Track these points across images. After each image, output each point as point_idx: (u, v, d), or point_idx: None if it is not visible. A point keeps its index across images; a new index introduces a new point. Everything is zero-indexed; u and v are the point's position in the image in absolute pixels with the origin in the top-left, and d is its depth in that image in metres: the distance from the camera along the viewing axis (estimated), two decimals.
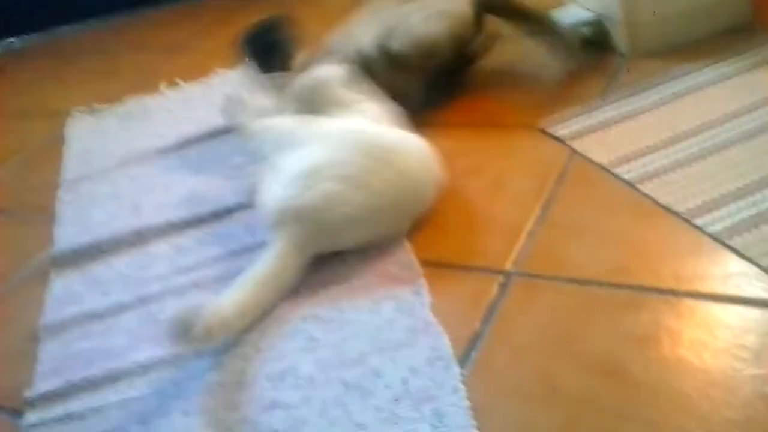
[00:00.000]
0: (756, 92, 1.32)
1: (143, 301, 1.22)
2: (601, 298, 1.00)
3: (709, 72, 1.44)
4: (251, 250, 1.25)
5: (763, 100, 1.31)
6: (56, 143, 1.89)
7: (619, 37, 1.59)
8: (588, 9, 1.65)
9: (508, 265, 1.10)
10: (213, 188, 1.49)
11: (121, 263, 1.33)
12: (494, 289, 1.06)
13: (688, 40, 1.55)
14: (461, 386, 0.91)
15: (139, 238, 1.38)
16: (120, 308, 1.21)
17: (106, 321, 1.19)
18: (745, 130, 1.25)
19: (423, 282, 1.10)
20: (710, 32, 1.56)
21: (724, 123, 1.28)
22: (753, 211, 1.07)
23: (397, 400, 0.91)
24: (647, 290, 0.99)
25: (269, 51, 1.43)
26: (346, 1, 2.29)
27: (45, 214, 1.58)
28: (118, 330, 1.17)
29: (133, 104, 1.98)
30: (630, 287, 1.01)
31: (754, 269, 0.98)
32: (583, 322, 0.97)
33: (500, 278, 1.08)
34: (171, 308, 1.16)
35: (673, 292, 0.98)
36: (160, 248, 1.34)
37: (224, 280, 1.19)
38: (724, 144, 1.23)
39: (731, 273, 0.99)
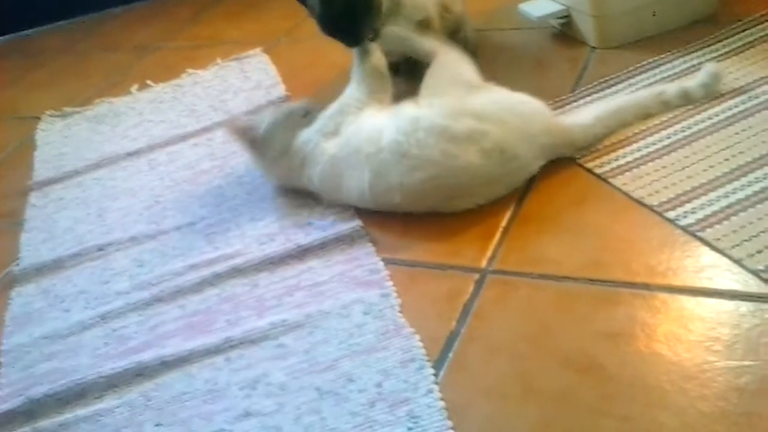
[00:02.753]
0: (725, 83, 1.33)
1: (105, 318, 1.20)
2: (576, 294, 1.00)
3: (678, 64, 1.45)
4: (212, 263, 1.25)
5: (732, 91, 1.32)
6: (27, 147, 1.86)
7: (588, 29, 1.59)
8: (557, 1, 1.64)
9: (483, 263, 1.10)
10: (178, 196, 1.48)
11: (82, 279, 1.32)
12: (469, 287, 1.06)
13: (656, 32, 1.56)
14: (435, 387, 0.90)
15: (101, 253, 1.37)
16: (82, 327, 1.20)
17: (68, 341, 1.18)
18: (715, 122, 1.25)
19: (390, 284, 1.10)
20: (678, 24, 1.56)
21: (694, 114, 1.28)
22: (724, 202, 1.08)
23: (371, 404, 0.91)
24: (621, 285, 1.00)
25: (351, 18, 1.32)
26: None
27: (14, 221, 1.56)
28: (81, 350, 1.15)
29: (104, 107, 1.96)
30: (604, 282, 1.01)
31: (726, 261, 0.99)
32: (558, 319, 0.97)
33: (475, 276, 1.07)
34: (133, 325, 1.15)
35: (647, 286, 0.98)
36: (122, 263, 1.33)
37: (186, 294, 1.19)
38: (695, 136, 1.23)
39: (703, 265, 1.00)
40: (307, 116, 1.33)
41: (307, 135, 1.31)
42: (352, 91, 1.33)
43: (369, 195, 1.21)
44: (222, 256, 1.26)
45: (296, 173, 1.32)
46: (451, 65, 1.31)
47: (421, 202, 1.19)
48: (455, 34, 1.57)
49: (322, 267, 1.17)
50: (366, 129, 1.25)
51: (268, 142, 1.33)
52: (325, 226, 1.25)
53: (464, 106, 1.20)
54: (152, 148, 1.68)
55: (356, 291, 1.10)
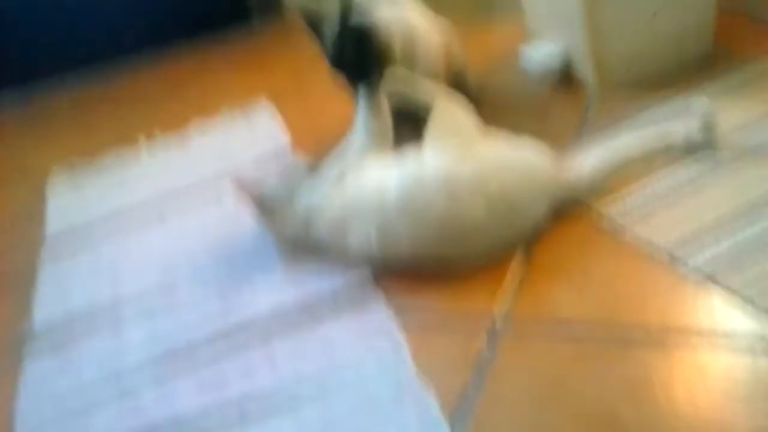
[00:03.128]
0: (725, 122, 1.34)
1: (118, 375, 1.20)
2: (591, 345, 1.00)
3: (677, 104, 1.46)
4: (224, 315, 1.25)
5: (732, 128, 1.33)
6: (37, 202, 1.87)
7: (588, 72, 1.61)
8: (556, 44, 1.67)
9: (495, 314, 1.10)
10: (188, 248, 1.49)
11: (95, 335, 1.32)
12: (483, 339, 1.06)
13: (654, 73, 1.58)
14: None
15: (113, 307, 1.37)
16: (95, 387, 1.20)
17: (82, 402, 1.17)
18: (718, 160, 1.27)
19: (402, 337, 1.10)
20: (675, 64, 1.58)
21: (696, 154, 1.29)
22: (732, 242, 1.09)
23: None
24: (635, 333, 1.00)
25: (361, 57, 1.35)
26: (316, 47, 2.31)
27: (25, 278, 1.56)
28: (95, 410, 1.15)
29: (112, 160, 1.98)
30: (617, 330, 1.01)
31: (740, 302, 0.99)
32: (574, 372, 0.97)
33: (488, 327, 1.07)
34: (148, 400, 1.14)
35: (660, 331, 0.98)
36: (134, 318, 1.33)
37: (198, 347, 1.20)
38: (698, 176, 1.24)
39: (717, 309, 1.00)
40: (313, 174, 1.35)
41: (311, 188, 1.32)
42: (355, 140, 1.35)
43: (376, 249, 1.22)
44: (234, 311, 1.26)
45: (302, 228, 1.32)
46: (452, 114, 1.32)
47: (430, 255, 1.20)
48: (456, 81, 1.59)
49: (333, 320, 1.17)
50: (370, 181, 1.26)
51: (274, 199, 1.35)
52: (335, 279, 1.26)
53: (467, 159, 1.21)
54: (162, 201, 1.69)
55: (368, 344, 1.10)
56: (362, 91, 1.37)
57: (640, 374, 0.93)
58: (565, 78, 1.67)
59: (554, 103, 1.63)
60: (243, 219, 1.51)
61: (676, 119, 1.41)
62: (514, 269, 1.16)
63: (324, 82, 2.07)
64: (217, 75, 2.39)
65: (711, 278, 1.04)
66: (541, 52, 1.68)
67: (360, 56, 1.34)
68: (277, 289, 1.28)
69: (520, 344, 1.03)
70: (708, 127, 1.29)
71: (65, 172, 1.98)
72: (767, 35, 1.60)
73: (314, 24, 1.40)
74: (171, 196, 1.70)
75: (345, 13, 1.33)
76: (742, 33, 1.65)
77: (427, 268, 1.21)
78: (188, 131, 1.99)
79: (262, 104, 2.02)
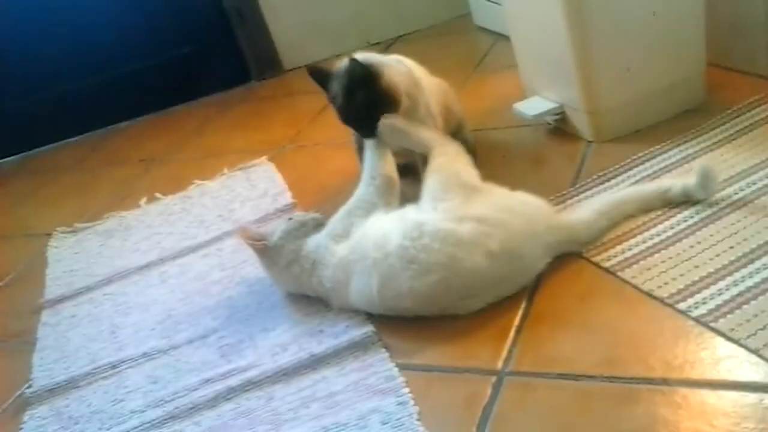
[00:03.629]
0: (722, 172, 1.36)
1: None
2: (595, 393, 1.00)
3: (674, 154, 1.48)
4: (226, 376, 1.25)
5: (730, 178, 1.35)
6: (38, 264, 1.88)
7: (583, 124, 1.64)
8: (550, 99, 1.70)
9: (499, 364, 1.09)
10: (190, 309, 1.49)
11: (96, 398, 1.32)
12: (487, 390, 1.05)
13: (648, 124, 1.61)
14: None
15: (114, 371, 1.37)
16: None
17: None
18: (716, 210, 1.28)
19: (406, 391, 1.09)
20: (669, 115, 1.61)
21: (694, 203, 1.31)
22: (734, 291, 1.09)
23: None
24: (639, 381, 0.99)
25: (369, 103, 1.38)
26: (316, 104, 2.36)
27: (26, 340, 1.56)
28: None
29: (114, 221, 1.99)
30: (622, 379, 1.00)
31: (743, 351, 0.99)
32: (579, 421, 0.96)
33: (492, 379, 1.07)
34: None
35: (666, 382, 0.98)
36: (135, 380, 1.33)
37: (201, 410, 1.19)
38: (697, 225, 1.25)
39: (721, 357, 0.99)
40: (317, 228, 1.36)
41: (316, 240, 1.33)
42: (362, 194, 1.36)
43: (378, 300, 1.23)
44: (235, 369, 1.26)
45: (306, 279, 1.33)
46: (449, 164, 1.34)
47: (431, 306, 1.20)
48: (455, 135, 1.62)
49: (336, 376, 1.17)
50: (372, 234, 1.27)
51: (279, 250, 1.36)
52: (337, 333, 1.26)
53: (466, 211, 1.22)
54: (163, 261, 1.70)
55: (372, 400, 1.09)
56: (370, 143, 1.40)
57: (646, 423, 0.92)
58: (560, 131, 1.70)
59: (550, 155, 1.65)
60: (244, 277, 1.53)
61: (671, 170, 1.43)
62: (516, 320, 1.16)
63: (323, 139, 2.12)
64: (217, 135, 2.43)
65: (715, 329, 1.04)
66: (535, 106, 1.71)
67: (368, 102, 1.38)
68: (279, 348, 1.27)
69: (524, 396, 1.03)
70: (706, 181, 1.30)
71: (67, 234, 1.99)
72: (755, 87, 1.63)
73: (322, 80, 1.44)
74: (172, 257, 1.70)
75: (353, 65, 1.37)
76: (731, 85, 1.68)
77: (428, 319, 1.20)
78: (189, 192, 2.01)
79: (262, 163, 2.04)
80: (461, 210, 1.23)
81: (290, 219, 1.39)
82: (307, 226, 1.37)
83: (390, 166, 1.39)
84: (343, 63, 1.42)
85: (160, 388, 1.28)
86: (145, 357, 1.38)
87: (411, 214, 1.27)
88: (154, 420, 1.21)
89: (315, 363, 1.21)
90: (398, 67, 1.47)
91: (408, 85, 1.46)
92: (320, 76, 1.45)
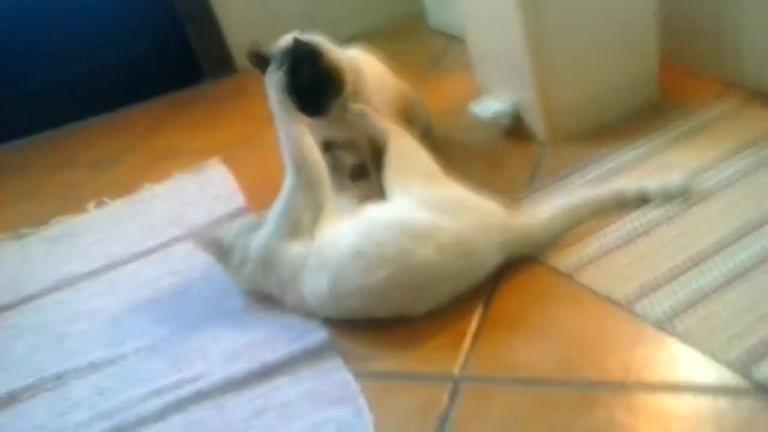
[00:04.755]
0: (674, 170, 1.36)
1: None
2: (553, 398, 0.98)
3: (626, 152, 1.49)
4: (176, 386, 1.20)
5: (681, 177, 1.35)
6: None
7: (538, 125, 1.64)
8: (505, 100, 1.69)
9: (456, 370, 1.07)
10: (138, 316, 1.44)
11: (38, 412, 1.26)
12: (444, 397, 1.03)
13: (602, 124, 1.61)
14: None
15: (59, 382, 1.31)
16: None
17: None
18: (669, 209, 1.28)
19: (362, 399, 1.07)
20: (623, 114, 1.62)
21: (648, 203, 1.31)
22: (687, 291, 1.09)
23: None
24: (597, 385, 0.98)
25: (314, 79, 1.36)
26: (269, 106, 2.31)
27: None
28: None
29: (60, 226, 1.92)
30: (580, 384, 0.99)
31: (698, 354, 0.99)
32: (538, 426, 0.95)
33: (449, 385, 1.05)
34: None
35: (623, 385, 0.97)
36: (80, 392, 1.28)
37: (149, 422, 1.15)
38: (650, 225, 1.25)
39: (677, 360, 0.99)
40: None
41: (260, 239, 1.31)
42: (292, 186, 1.32)
43: (330, 301, 1.20)
44: (185, 379, 1.22)
45: (260, 278, 1.31)
46: (408, 153, 1.34)
47: (382, 304, 1.17)
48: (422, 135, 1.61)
49: (290, 385, 1.14)
50: (329, 233, 1.25)
51: (231, 250, 1.34)
52: (291, 341, 1.22)
53: (424, 198, 1.22)
54: (111, 267, 1.65)
55: (327, 409, 1.06)
56: (281, 130, 1.36)
57: (604, 428, 0.91)
58: (516, 130, 1.69)
59: (505, 155, 1.64)
60: (194, 282, 1.48)
61: (625, 169, 1.43)
62: (473, 325, 1.14)
63: (276, 139, 2.06)
64: (170, 137, 2.37)
65: (670, 330, 1.03)
66: (491, 106, 1.70)
67: (313, 79, 1.35)
68: (231, 357, 1.24)
69: (481, 402, 1.01)
70: (672, 195, 1.30)
71: (10, 240, 1.92)
72: (707, 88, 1.65)
73: (263, 63, 1.40)
74: (120, 263, 1.65)
75: (296, 42, 1.34)
76: (684, 86, 1.70)
77: (385, 322, 1.18)
78: (138, 196, 1.95)
79: (214, 165, 1.99)
80: (421, 197, 1.22)
81: (242, 219, 1.36)
82: (258, 226, 1.34)
83: (313, 151, 1.34)
84: (282, 42, 1.39)
85: (107, 399, 1.23)
86: (91, 367, 1.33)
87: (367, 210, 1.25)
88: None
89: (267, 371, 1.17)
90: (340, 51, 1.45)
91: (353, 69, 1.44)
92: (260, 58, 1.41)
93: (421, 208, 1.21)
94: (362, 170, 1.62)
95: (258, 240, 1.31)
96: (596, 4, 1.53)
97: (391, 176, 1.32)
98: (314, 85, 1.36)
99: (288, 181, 1.33)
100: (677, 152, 1.45)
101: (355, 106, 1.42)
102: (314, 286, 1.22)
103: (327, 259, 1.20)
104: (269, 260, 1.28)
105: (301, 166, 1.32)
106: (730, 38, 1.62)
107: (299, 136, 1.34)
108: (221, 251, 1.36)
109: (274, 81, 1.37)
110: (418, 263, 1.15)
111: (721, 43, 1.65)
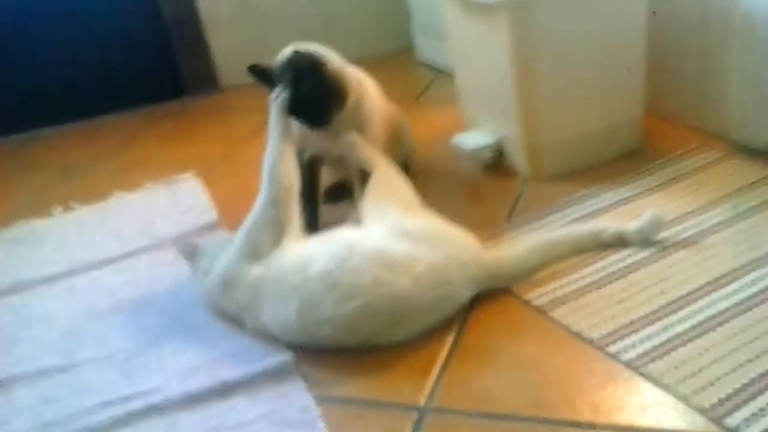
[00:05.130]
0: (646, 212, 1.35)
1: None
2: None
3: (609, 196, 1.48)
4: (128, 399, 1.15)
5: (661, 222, 1.34)
6: None
7: (521, 161, 1.63)
8: (489, 134, 1.69)
9: (422, 400, 1.04)
10: (95, 325, 1.38)
11: None
12: (408, 427, 0.99)
13: (585, 165, 1.61)
14: None
15: (3, 388, 1.24)
16: None
17: None
18: (648, 255, 1.27)
19: (322, 425, 1.02)
20: (606, 157, 1.62)
21: (627, 247, 1.29)
22: (664, 336, 1.07)
23: None
24: (566, 425, 0.95)
25: (315, 101, 1.35)
26: (252, 122, 2.29)
27: None
28: None
29: (23, 228, 1.86)
30: (548, 421, 0.96)
31: (671, 398, 0.96)
32: None
33: (414, 415, 1.01)
34: None
35: (593, 426, 0.94)
36: (25, 400, 1.21)
37: None
38: (629, 268, 1.24)
39: (649, 403, 0.96)
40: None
41: (225, 257, 1.28)
42: (262, 206, 1.30)
43: (296, 328, 1.16)
44: (139, 393, 1.16)
45: (218, 296, 1.28)
46: (390, 182, 1.33)
47: (354, 335, 1.14)
48: (404, 163, 1.59)
49: (248, 405, 1.09)
50: (292, 255, 1.21)
51: (200, 262, 1.33)
52: (252, 360, 1.18)
53: (402, 227, 1.20)
54: (72, 273, 1.58)
55: None
56: (268, 143, 1.34)
57: None
58: (498, 165, 1.68)
59: (485, 190, 1.63)
60: (157, 295, 1.43)
61: (605, 212, 1.42)
62: (442, 355, 1.11)
63: (257, 158, 2.04)
64: (145, 148, 2.32)
65: (643, 373, 1.01)
66: (474, 140, 1.69)
67: (316, 90, 1.35)
68: (188, 372, 1.18)
69: None
70: (647, 234, 1.29)
71: None
72: (690, 138, 1.66)
73: (264, 77, 1.40)
74: (82, 269, 1.59)
75: (298, 54, 1.34)
76: (665, 134, 1.71)
77: (351, 349, 1.14)
78: (107, 204, 1.90)
79: (188, 179, 1.95)
80: (397, 225, 1.20)
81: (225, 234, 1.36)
82: (222, 243, 1.31)
83: (289, 173, 1.32)
84: (283, 55, 1.38)
85: (53, 409, 1.17)
86: (40, 375, 1.26)
87: (343, 234, 1.22)
88: None
89: (225, 390, 1.12)
90: (342, 62, 1.45)
91: (355, 78, 1.44)
92: (261, 72, 1.40)
93: (397, 237, 1.18)
94: (337, 192, 1.60)
95: (222, 259, 1.28)
96: (586, 48, 1.54)
97: (369, 202, 1.30)
98: (317, 96, 1.35)
99: (259, 204, 1.31)
100: (659, 199, 1.44)
101: (347, 136, 1.41)
102: (277, 312, 1.18)
103: (294, 285, 1.16)
104: (229, 281, 1.25)
105: (273, 182, 1.30)
106: (714, 90, 1.63)
107: (281, 154, 1.33)
108: (193, 260, 1.34)
109: (276, 95, 1.36)
110: (394, 293, 1.12)
111: (705, 95, 1.66)
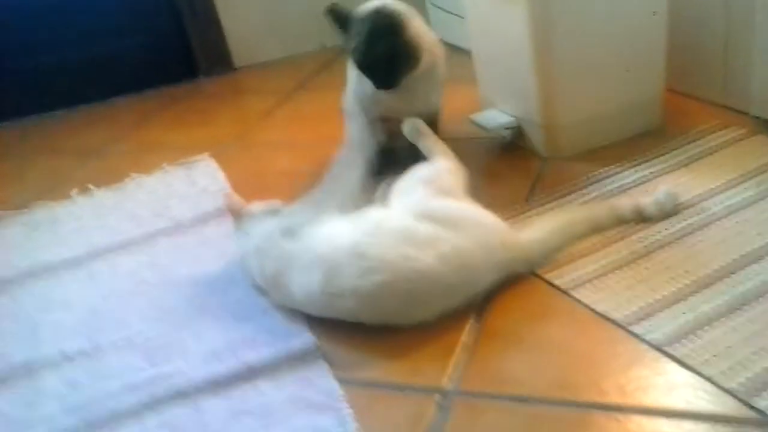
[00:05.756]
0: (678, 195, 1.34)
1: None
2: (546, 418, 0.95)
3: (629, 174, 1.46)
4: (152, 382, 1.15)
5: (685, 202, 1.33)
6: None
7: (539, 140, 1.61)
8: (507, 113, 1.67)
9: (446, 383, 1.03)
10: (116, 308, 1.38)
11: (5, 402, 1.19)
12: (432, 410, 0.99)
13: (605, 144, 1.59)
14: None
15: (29, 372, 1.25)
16: None
17: None
18: (672, 232, 1.25)
19: (346, 407, 1.02)
20: (626, 136, 1.60)
21: (650, 226, 1.28)
22: (690, 316, 1.06)
23: None
24: (592, 407, 0.95)
25: (391, 52, 1.36)
26: (264, 104, 2.28)
27: None
28: None
29: (41, 211, 1.86)
30: (574, 404, 0.96)
31: (698, 379, 0.95)
32: None
33: (438, 398, 1.01)
34: None
35: (620, 408, 0.93)
36: (51, 383, 1.21)
37: (120, 418, 1.09)
38: (653, 247, 1.23)
39: (676, 384, 0.96)
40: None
41: (265, 226, 1.29)
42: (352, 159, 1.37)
43: (318, 298, 1.16)
44: (162, 376, 1.16)
45: (250, 261, 1.30)
46: (442, 172, 1.33)
47: (375, 310, 1.13)
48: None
49: (272, 388, 1.09)
50: (324, 231, 1.22)
51: (245, 224, 1.34)
52: (275, 342, 1.18)
53: (427, 210, 1.19)
54: (91, 256, 1.59)
55: (309, 416, 1.01)
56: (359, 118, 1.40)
57: None
58: (515, 145, 1.67)
59: (504, 169, 1.61)
60: (177, 277, 1.43)
61: (626, 191, 1.41)
62: (466, 337, 1.10)
63: (271, 139, 2.04)
64: (160, 130, 2.32)
65: (669, 354, 1.00)
66: (492, 118, 1.67)
67: (390, 52, 1.34)
68: (211, 355, 1.18)
69: (472, 417, 0.97)
70: (664, 205, 1.28)
71: None
72: (711, 114, 1.63)
73: (340, 21, 1.40)
74: (101, 252, 1.59)
75: (381, 12, 1.34)
76: (688, 110, 1.68)
77: (373, 331, 1.14)
78: (124, 186, 1.90)
79: (204, 160, 1.95)
80: (424, 205, 1.20)
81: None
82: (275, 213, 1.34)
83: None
84: (367, 7, 1.38)
85: (78, 392, 1.17)
86: (64, 358, 1.27)
87: (372, 213, 1.23)
88: (67, 428, 1.10)
89: (249, 373, 1.12)
90: (423, 27, 1.46)
91: (431, 43, 1.45)
92: (339, 16, 1.40)
93: (423, 217, 1.18)
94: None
95: (264, 227, 1.30)
96: (605, 25, 1.51)
97: (405, 181, 1.30)
98: (388, 58, 1.35)
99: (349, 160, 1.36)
100: (681, 177, 1.42)
101: (409, 121, 1.43)
102: (303, 281, 1.18)
103: (320, 256, 1.16)
104: (262, 249, 1.26)
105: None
106: (737, 66, 1.61)
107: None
108: (240, 222, 1.36)
109: (350, 46, 1.37)
110: (417, 270, 1.11)
111: (728, 71, 1.64)
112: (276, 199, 1.38)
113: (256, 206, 1.37)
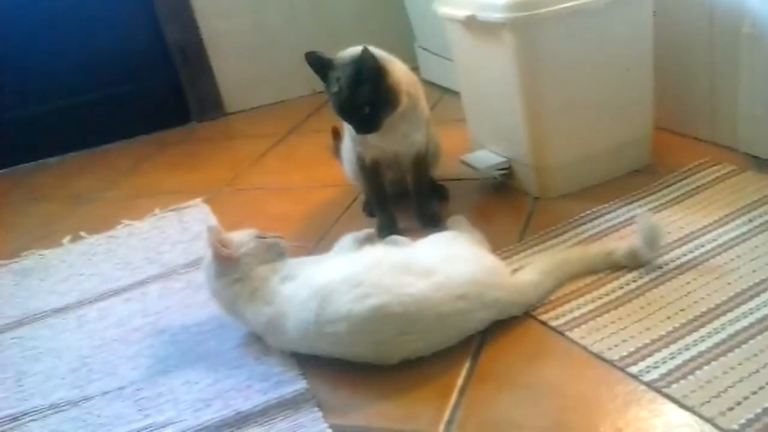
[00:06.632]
0: (670, 234, 1.34)
1: None
2: None
3: (621, 213, 1.46)
4: None
5: (677, 240, 1.33)
6: None
7: (530, 180, 1.61)
8: (498, 154, 1.67)
9: (441, 428, 1.01)
10: (107, 357, 1.36)
11: None
12: None
13: (595, 183, 1.59)
14: None
15: (15, 424, 1.23)
16: None
17: None
18: (666, 271, 1.25)
19: None
20: (616, 175, 1.61)
21: (643, 264, 1.27)
22: (686, 356, 1.04)
23: None
24: None
25: (370, 105, 1.37)
26: (256, 148, 2.29)
27: None
28: None
29: (32, 259, 1.85)
30: None
31: (697, 420, 0.94)
32: None
33: None
34: None
35: None
36: None
37: None
38: (647, 286, 1.22)
39: (674, 426, 0.94)
40: (280, 257, 1.30)
41: (265, 271, 1.26)
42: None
43: (313, 327, 1.15)
44: (152, 425, 1.14)
45: (241, 305, 1.25)
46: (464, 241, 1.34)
47: (368, 336, 1.12)
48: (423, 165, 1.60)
49: None
50: (322, 268, 1.23)
51: (237, 263, 1.27)
52: (266, 389, 1.16)
53: (429, 248, 1.24)
54: (82, 304, 1.57)
55: None
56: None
57: None
58: (506, 186, 1.67)
59: (496, 210, 1.61)
60: (168, 324, 1.42)
61: (617, 230, 1.40)
62: (460, 379, 1.09)
63: (263, 183, 2.04)
64: (152, 175, 2.32)
65: (667, 394, 0.99)
66: (483, 159, 1.67)
67: (372, 97, 1.35)
68: (202, 404, 1.16)
69: None
70: (651, 241, 1.27)
71: None
72: (701, 152, 1.64)
73: (320, 68, 1.41)
74: (92, 300, 1.58)
75: (365, 57, 1.34)
76: (676, 149, 1.69)
77: (366, 374, 1.12)
78: (116, 232, 1.89)
79: (197, 205, 1.94)
80: (427, 247, 1.26)
81: (261, 237, 1.31)
82: (272, 251, 1.30)
83: None
84: (348, 53, 1.40)
85: None
86: (51, 409, 1.25)
87: (375, 250, 1.26)
88: None
89: (240, 421, 1.10)
90: (401, 65, 1.48)
91: (409, 84, 1.46)
92: (319, 62, 1.41)
93: (425, 255, 1.22)
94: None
95: (263, 271, 1.26)
96: (594, 67, 1.53)
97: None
98: (371, 104, 1.36)
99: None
100: (672, 214, 1.42)
101: (454, 217, 1.49)
102: (299, 315, 1.17)
103: (318, 286, 1.16)
104: (261, 294, 1.23)
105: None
106: (724, 104, 1.62)
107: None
108: (226, 259, 1.27)
109: (331, 91, 1.38)
110: (410, 296, 1.11)
111: (715, 109, 1.65)
112: (254, 228, 1.34)
113: (238, 237, 1.31)
